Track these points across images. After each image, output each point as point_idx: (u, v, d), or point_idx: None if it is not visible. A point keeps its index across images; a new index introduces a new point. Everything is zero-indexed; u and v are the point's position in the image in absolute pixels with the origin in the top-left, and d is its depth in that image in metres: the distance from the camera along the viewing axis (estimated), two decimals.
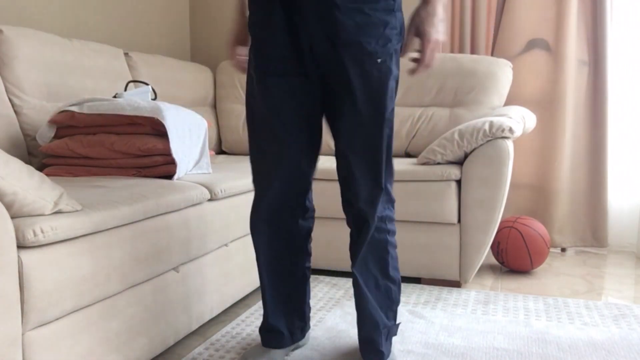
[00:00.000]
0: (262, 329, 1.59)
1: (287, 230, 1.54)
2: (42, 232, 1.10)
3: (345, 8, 1.29)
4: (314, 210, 1.61)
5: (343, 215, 2.37)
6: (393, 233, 1.50)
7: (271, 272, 1.55)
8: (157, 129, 1.81)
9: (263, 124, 1.43)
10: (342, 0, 1.29)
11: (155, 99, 2.26)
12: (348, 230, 2.37)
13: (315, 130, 1.47)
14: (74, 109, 1.84)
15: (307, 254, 1.60)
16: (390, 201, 1.48)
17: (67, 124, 1.86)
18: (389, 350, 1.51)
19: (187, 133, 1.89)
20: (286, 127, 1.41)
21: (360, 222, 1.45)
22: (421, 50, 1.39)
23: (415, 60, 1.41)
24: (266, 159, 1.46)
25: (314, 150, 1.50)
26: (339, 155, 1.44)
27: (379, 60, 1.32)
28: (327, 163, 2.44)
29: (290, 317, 1.59)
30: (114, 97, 2.01)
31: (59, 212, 1.19)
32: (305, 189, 1.53)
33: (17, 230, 1.08)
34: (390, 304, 1.50)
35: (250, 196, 2.07)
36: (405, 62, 2.55)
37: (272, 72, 1.39)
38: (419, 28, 1.38)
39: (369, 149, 1.38)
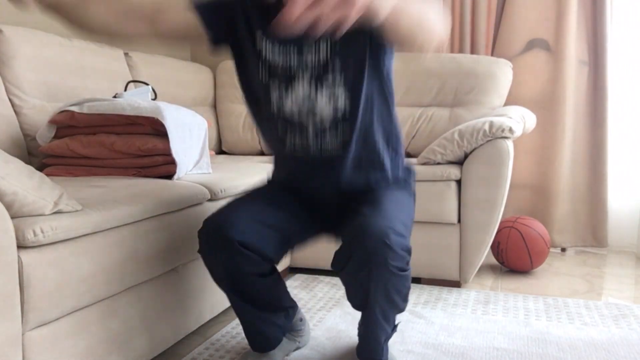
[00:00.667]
0: (247, 336, 1.52)
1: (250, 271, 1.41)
2: (42, 232, 1.10)
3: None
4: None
5: None
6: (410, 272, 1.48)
7: (236, 300, 1.44)
8: (157, 129, 1.81)
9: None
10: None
11: (155, 99, 2.26)
12: None
13: (308, 234, 1.53)
14: (74, 109, 1.84)
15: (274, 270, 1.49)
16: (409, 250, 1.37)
17: (67, 124, 1.86)
18: (387, 352, 1.50)
19: (187, 133, 1.89)
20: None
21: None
22: None
23: None
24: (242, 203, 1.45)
25: (295, 244, 1.51)
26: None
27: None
28: None
29: (271, 320, 1.50)
30: (114, 97, 2.01)
31: (59, 212, 1.19)
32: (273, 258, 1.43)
33: (17, 230, 1.07)
34: (397, 312, 1.42)
35: None
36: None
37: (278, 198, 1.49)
38: None
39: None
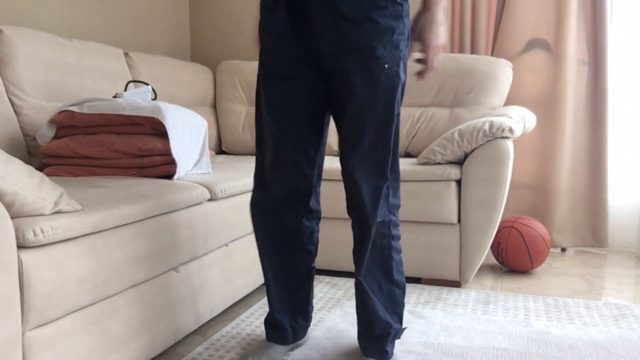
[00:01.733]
0: (267, 323, 1.61)
1: (291, 229, 1.55)
2: (42, 232, 1.10)
3: (352, 17, 1.30)
4: (319, 212, 1.60)
5: (343, 216, 2.37)
6: (397, 238, 1.51)
7: (274, 267, 1.57)
8: (157, 129, 1.81)
9: (267, 126, 1.46)
10: (350, 10, 1.29)
11: (155, 98, 2.25)
12: (348, 230, 2.38)
13: (318, 133, 1.48)
14: (74, 109, 1.84)
15: (311, 253, 1.60)
16: (395, 206, 1.49)
17: (67, 124, 1.86)
18: (392, 352, 1.52)
19: (187, 133, 1.89)
20: (287, 132, 1.43)
21: (363, 225, 1.46)
22: (424, 55, 1.41)
23: (419, 61, 1.42)
24: (268, 160, 1.48)
25: (317, 153, 1.51)
26: (343, 156, 1.44)
27: (386, 65, 1.33)
28: (327, 163, 2.44)
29: (294, 315, 1.61)
30: (114, 97, 2.01)
31: (59, 212, 1.19)
32: (308, 190, 1.53)
33: (17, 230, 1.07)
34: (394, 307, 1.51)
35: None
36: (412, 66, 2.55)
37: (277, 75, 1.41)
38: (420, 34, 1.40)
39: (375, 152, 1.39)
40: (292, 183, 1.49)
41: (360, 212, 1.44)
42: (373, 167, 1.40)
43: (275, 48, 1.39)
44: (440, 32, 1.38)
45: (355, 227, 1.49)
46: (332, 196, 2.37)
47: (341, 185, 2.35)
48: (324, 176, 2.39)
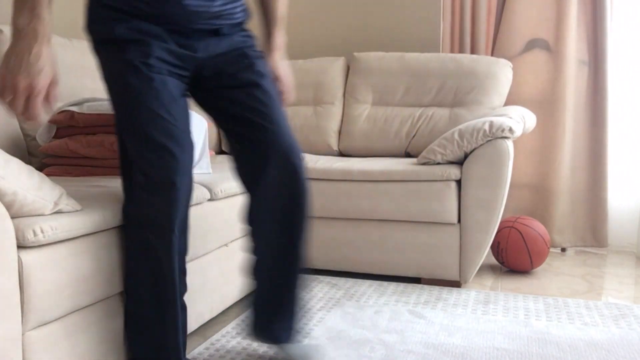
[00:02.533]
0: None
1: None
2: (42, 232, 1.10)
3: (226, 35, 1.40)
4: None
5: (343, 215, 2.37)
6: None
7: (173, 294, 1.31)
8: None
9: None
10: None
11: None
12: (348, 230, 2.38)
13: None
14: (74, 108, 1.84)
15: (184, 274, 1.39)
16: None
17: (67, 124, 1.86)
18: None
19: None
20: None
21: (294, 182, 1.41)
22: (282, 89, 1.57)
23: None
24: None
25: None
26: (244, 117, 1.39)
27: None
28: (327, 163, 2.44)
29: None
30: None
31: (59, 212, 1.19)
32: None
33: (17, 230, 1.07)
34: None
35: None
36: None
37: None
38: (274, 73, 1.54)
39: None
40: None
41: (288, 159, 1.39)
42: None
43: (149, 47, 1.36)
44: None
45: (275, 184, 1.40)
46: (331, 196, 2.37)
47: (341, 185, 2.36)
48: (323, 176, 2.39)
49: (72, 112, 1.84)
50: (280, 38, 1.58)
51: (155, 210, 1.24)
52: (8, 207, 1.08)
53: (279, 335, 1.51)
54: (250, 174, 1.41)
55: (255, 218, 1.45)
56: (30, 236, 1.08)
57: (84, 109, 1.83)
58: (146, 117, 1.24)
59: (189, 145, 1.28)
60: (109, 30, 1.28)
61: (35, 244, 1.10)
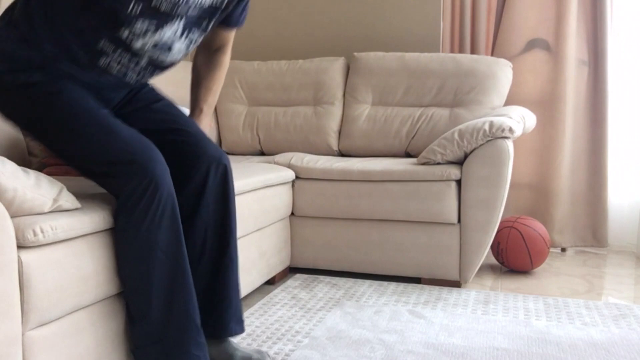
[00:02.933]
0: None
1: None
2: (42, 231, 1.10)
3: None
4: None
5: (343, 215, 2.37)
6: None
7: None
8: None
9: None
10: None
11: None
12: (348, 230, 2.38)
13: None
14: None
15: None
16: None
17: None
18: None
19: None
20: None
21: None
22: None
23: None
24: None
25: None
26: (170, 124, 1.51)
27: None
28: (326, 163, 2.44)
29: None
30: None
31: (59, 207, 1.19)
32: None
33: (17, 230, 1.07)
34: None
35: (251, 196, 2.06)
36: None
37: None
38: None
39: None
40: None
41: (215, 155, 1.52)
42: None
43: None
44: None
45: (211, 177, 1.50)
46: (331, 196, 2.37)
47: (341, 185, 2.36)
48: (323, 176, 2.39)
49: None
50: (207, 109, 1.71)
51: (139, 178, 1.28)
52: (9, 203, 1.08)
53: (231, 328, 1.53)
54: (181, 173, 1.48)
55: (189, 216, 1.49)
56: (30, 236, 1.08)
57: None
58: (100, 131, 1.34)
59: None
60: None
61: (35, 244, 1.10)
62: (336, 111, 2.91)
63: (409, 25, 3.05)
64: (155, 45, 1.36)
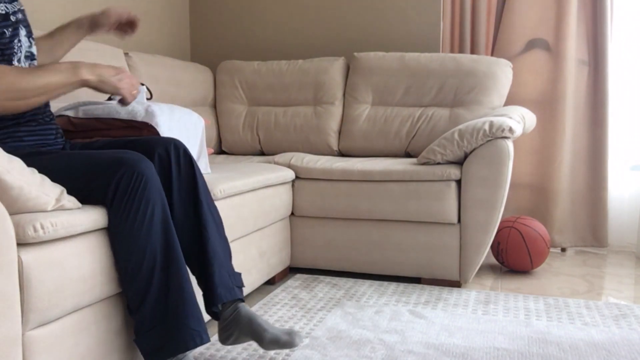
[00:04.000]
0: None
1: None
2: (42, 228, 1.10)
3: None
4: None
5: (343, 215, 2.37)
6: None
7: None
8: (153, 132, 1.81)
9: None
10: None
11: (150, 98, 2.25)
12: (348, 230, 2.38)
13: None
14: (69, 113, 1.83)
15: None
16: None
17: (65, 129, 1.85)
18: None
19: (185, 133, 1.88)
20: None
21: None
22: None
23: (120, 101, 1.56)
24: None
25: None
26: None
27: None
28: (326, 163, 2.44)
29: None
30: (108, 99, 2.00)
31: (61, 207, 1.19)
32: None
33: (17, 227, 1.08)
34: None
35: (251, 196, 2.06)
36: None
37: None
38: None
39: None
40: None
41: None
42: None
43: None
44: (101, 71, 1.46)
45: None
46: (331, 196, 2.37)
47: (341, 185, 2.36)
48: (323, 176, 2.39)
49: (68, 117, 1.83)
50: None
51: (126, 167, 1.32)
52: (14, 201, 1.10)
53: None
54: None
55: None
56: (30, 232, 1.08)
57: (80, 113, 1.82)
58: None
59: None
60: None
61: (36, 240, 1.10)
62: (336, 111, 2.91)
63: (409, 25, 3.05)
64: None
